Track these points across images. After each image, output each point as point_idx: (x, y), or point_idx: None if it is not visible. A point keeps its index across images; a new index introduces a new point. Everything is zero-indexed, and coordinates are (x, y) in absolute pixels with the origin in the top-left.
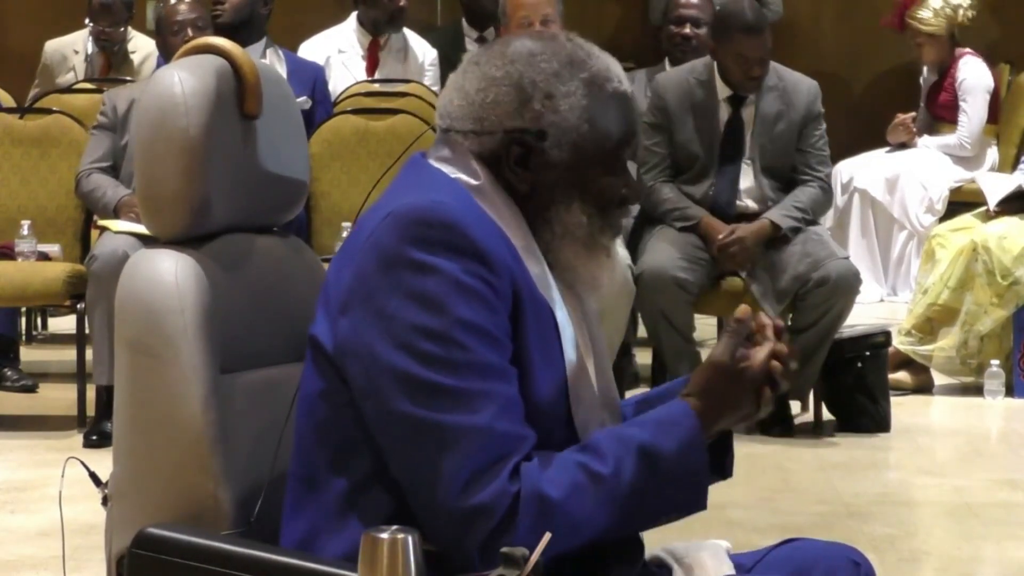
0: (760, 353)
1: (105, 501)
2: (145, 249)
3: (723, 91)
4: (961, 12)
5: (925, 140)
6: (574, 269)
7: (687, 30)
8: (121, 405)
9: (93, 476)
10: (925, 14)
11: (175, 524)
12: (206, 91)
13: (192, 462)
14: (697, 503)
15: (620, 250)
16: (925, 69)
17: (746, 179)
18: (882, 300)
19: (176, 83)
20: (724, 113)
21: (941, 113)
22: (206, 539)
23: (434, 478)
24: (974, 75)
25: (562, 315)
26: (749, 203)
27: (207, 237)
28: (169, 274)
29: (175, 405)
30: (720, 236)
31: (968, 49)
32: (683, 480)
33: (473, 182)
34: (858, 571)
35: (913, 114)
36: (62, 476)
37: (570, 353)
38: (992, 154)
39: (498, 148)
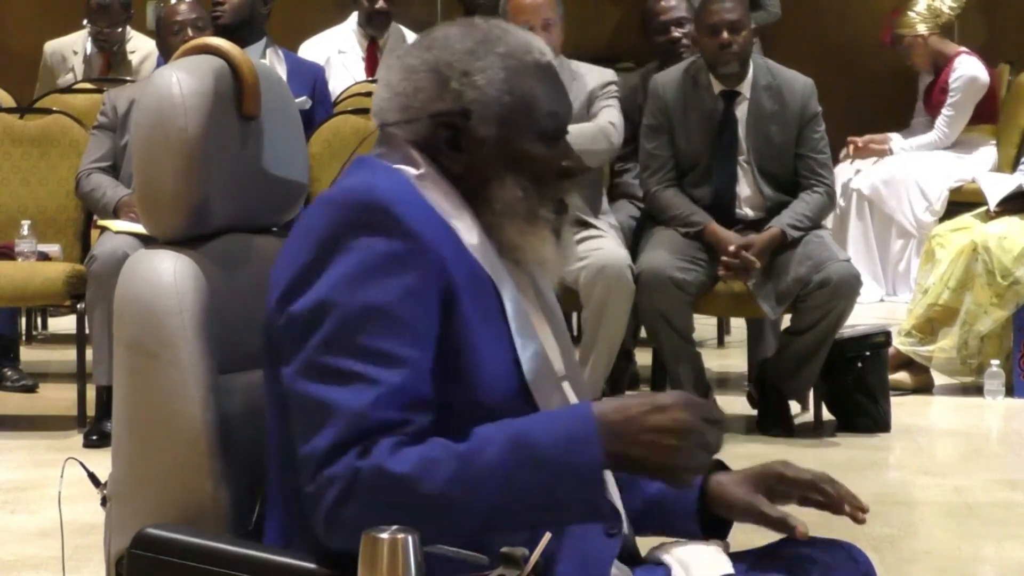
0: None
1: (104, 502)
2: (143, 250)
3: (716, 86)
4: (946, 8)
5: (900, 143)
6: (519, 247)
7: (675, 34)
8: (120, 406)
9: (92, 476)
10: (909, 16)
11: (174, 525)
12: (204, 91)
13: (190, 463)
14: (593, 504)
15: (620, 250)
16: (922, 74)
17: (744, 186)
18: (882, 300)
19: (174, 83)
20: (718, 109)
21: (937, 113)
22: (205, 539)
23: (307, 453)
24: (968, 72)
25: (510, 293)
26: (748, 211)
27: (206, 237)
28: (168, 274)
29: (173, 406)
30: (731, 248)
31: (964, 48)
32: (566, 474)
33: (415, 171)
34: (857, 569)
35: (855, 141)
36: (61, 476)
37: (519, 328)
38: (992, 154)
39: (428, 134)
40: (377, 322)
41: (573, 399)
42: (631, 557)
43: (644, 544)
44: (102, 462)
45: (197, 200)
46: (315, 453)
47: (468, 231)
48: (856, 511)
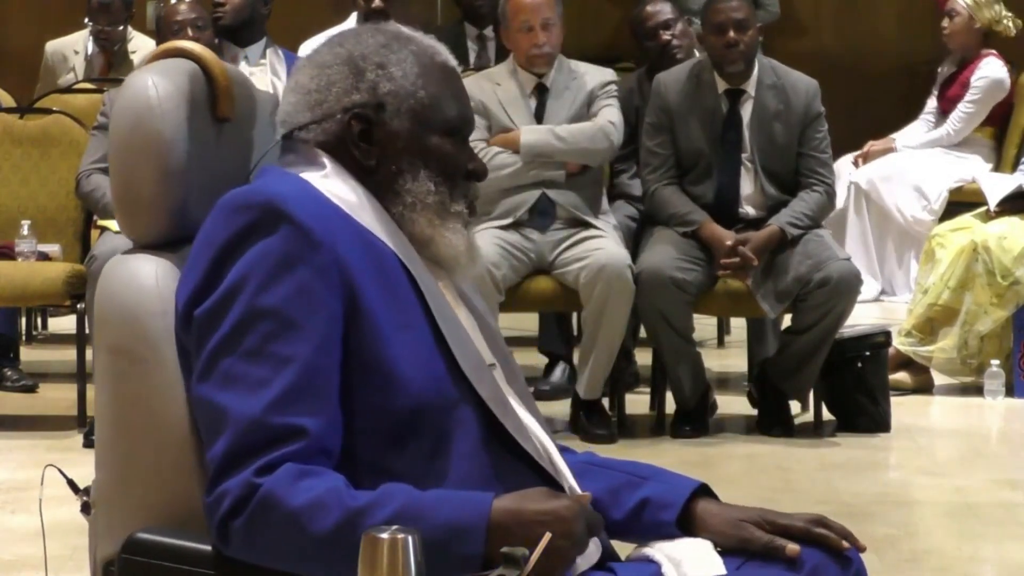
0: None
1: (85, 508)
2: (120, 254)
3: (721, 85)
4: (1004, 22)
5: (906, 139)
6: (431, 240)
7: (664, 37)
8: (103, 410)
9: (71, 483)
10: (983, 4)
11: (165, 528)
12: (180, 94)
13: (179, 466)
14: None
15: (620, 250)
16: (943, 64)
17: (747, 184)
18: (878, 298)
19: (150, 87)
20: (723, 108)
21: (951, 108)
22: (197, 543)
23: (208, 460)
24: (993, 74)
25: (426, 280)
26: (750, 210)
27: (181, 241)
28: (149, 277)
29: (160, 409)
30: (728, 244)
31: (994, 51)
32: (443, 559)
33: (320, 173)
34: (849, 568)
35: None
36: (42, 484)
37: (439, 312)
38: (991, 157)
39: (340, 129)
40: (269, 324)
41: (503, 386)
42: (609, 556)
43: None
44: None
45: (175, 203)
46: (212, 461)
47: (379, 225)
48: (855, 546)
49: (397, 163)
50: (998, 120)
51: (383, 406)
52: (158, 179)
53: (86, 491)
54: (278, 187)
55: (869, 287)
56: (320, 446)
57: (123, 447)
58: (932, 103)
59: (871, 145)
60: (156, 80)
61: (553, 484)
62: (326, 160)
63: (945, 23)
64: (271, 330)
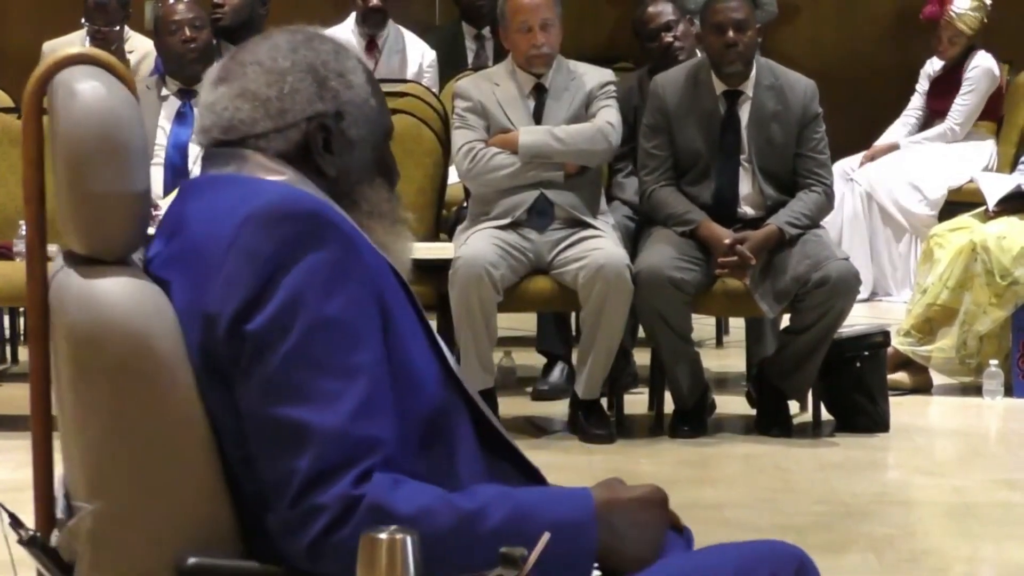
0: None
1: (33, 542)
2: (79, 273)
3: (719, 87)
4: (981, 16)
5: (908, 138)
6: (385, 247)
7: (666, 39)
8: (99, 435)
9: (13, 518)
10: (970, 13)
11: (213, 550)
12: (132, 102)
13: (204, 488)
14: None
15: (619, 250)
16: (928, 63)
17: (745, 184)
18: (870, 298)
19: (109, 94)
20: (720, 109)
21: (942, 108)
22: (261, 564)
23: (281, 477)
24: (985, 64)
25: (406, 282)
26: (748, 209)
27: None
28: (142, 294)
29: (178, 429)
30: (726, 242)
31: (982, 50)
32: (561, 557)
33: (283, 179)
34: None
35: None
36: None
37: (425, 319)
38: (991, 149)
39: (302, 138)
40: (333, 335)
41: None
42: None
43: None
44: None
45: (145, 214)
46: (296, 478)
47: (359, 231)
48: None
49: (357, 172)
50: (995, 115)
51: (412, 411)
52: (133, 191)
53: (21, 524)
54: (301, 194)
55: (864, 288)
56: (391, 454)
57: (134, 474)
58: (917, 101)
59: (874, 148)
60: (111, 86)
61: (535, 476)
62: (286, 169)
63: (943, 45)
64: (336, 341)
